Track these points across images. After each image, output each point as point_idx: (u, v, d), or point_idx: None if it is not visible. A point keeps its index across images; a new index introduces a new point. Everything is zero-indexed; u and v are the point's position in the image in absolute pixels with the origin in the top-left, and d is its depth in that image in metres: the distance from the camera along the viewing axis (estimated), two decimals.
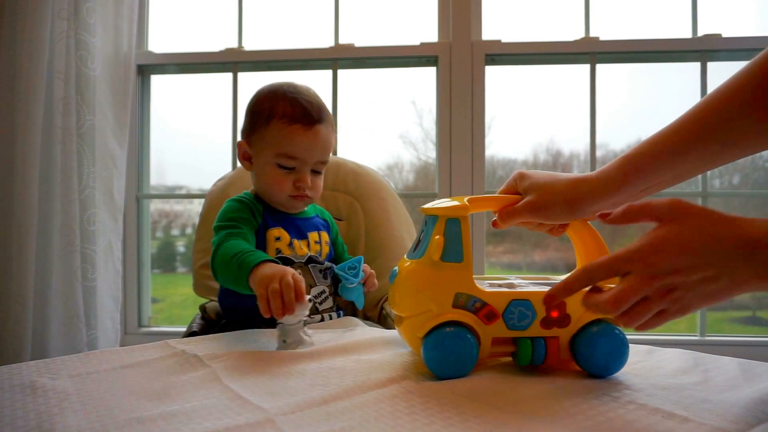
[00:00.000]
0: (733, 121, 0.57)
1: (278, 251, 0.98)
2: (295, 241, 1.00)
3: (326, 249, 1.04)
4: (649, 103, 1.80)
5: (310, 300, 0.76)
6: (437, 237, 0.66)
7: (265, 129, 0.99)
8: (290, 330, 0.77)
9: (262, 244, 0.98)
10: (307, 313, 0.78)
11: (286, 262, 0.97)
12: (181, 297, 2.07)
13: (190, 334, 1.04)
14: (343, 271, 0.97)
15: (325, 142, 1.00)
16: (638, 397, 0.57)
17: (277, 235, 0.99)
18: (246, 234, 0.95)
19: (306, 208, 1.07)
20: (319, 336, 0.85)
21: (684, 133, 0.60)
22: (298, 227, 1.02)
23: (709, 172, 1.68)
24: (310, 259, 1.00)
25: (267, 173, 1.00)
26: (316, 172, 1.02)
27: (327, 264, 1.02)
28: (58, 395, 0.59)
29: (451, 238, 0.66)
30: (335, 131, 1.05)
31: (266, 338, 0.84)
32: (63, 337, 1.57)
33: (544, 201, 0.69)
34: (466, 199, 0.70)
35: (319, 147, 0.99)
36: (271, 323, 0.95)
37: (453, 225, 0.66)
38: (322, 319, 0.98)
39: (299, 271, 0.98)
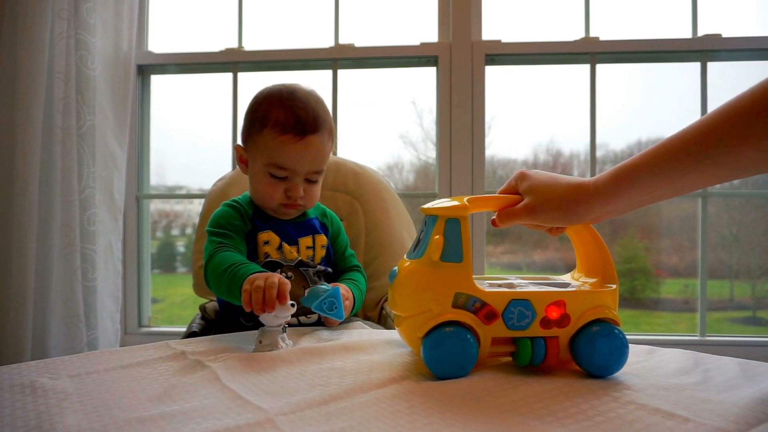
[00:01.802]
0: (731, 144, 0.56)
1: (267, 255, 0.97)
2: (285, 245, 0.99)
3: (321, 253, 1.03)
4: (649, 103, 1.80)
5: (292, 305, 0.76)
6: (437, 237, 0.66)
7: (258, 135, 0.97)
8: (268, 332, 0.77)
9: (253, 248, 0.98)
10: (289, 317, 0.78)
11: (275, 265, 0.97)
12: (181, 297, 2.07)
13: (190, 334, 1.04)
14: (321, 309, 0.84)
15: (318, 153, 0.97)
16: (638, 397, 0.57)
17: (266, 239, 0.98)
18: (237, 242, 0.96)
19: (298, 214, 1.05)
20: (319, 336, 0.85)
21: (679, 151, 0.59)
22: (289, 232, 1.01)
23: None
24: (301, 263, 0.99)
25: (259, 181, 0.99)
26: (311, 181, 1.00)
27: (321, 267, 1.02)
28: (58, 395, 0.59)
29: (450, 238, 0.66)
30: (333, 138, 1.03)
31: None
32: (63, 337, 1.57)
33: (541, 205, 0.69)
34: (465, 199, 0.70)
35: (310, 158, 0.97)
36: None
37: (453, 225, 0.66)
38: (319, 319, 0.98)
39: (290, 273, 0.98)
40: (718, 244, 1.77)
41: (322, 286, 0.86)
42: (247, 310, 0.76)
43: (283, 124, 0.95)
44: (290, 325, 0.93)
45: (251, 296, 0.75)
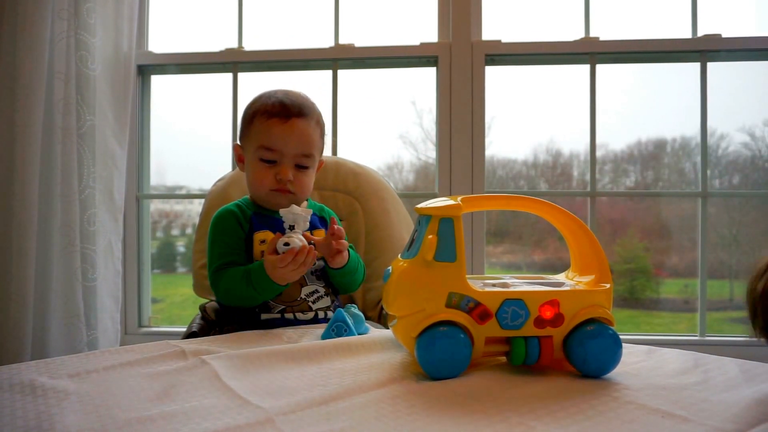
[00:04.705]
0: None
1: (263, 253, 0.98)
2: None
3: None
4: (649, 103, 1.80)
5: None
6: (430, 236, 0.65)
7: (249, 127, 1.04)
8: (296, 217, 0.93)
9: (249, 248, 1.00)
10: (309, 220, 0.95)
11: None
12: (181, 297, 2.07)
13: (190, 334, 1.05)
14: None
15: (303, 135, 1.02)
16: (638, 397, 0.57)
17: (263, 238, 1.00)
18: (238, 251, 1.00)
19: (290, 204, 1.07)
20: (319, 335, 0.85)
21: None
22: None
23: (708, 172, 1.68)
24: None
25: (252, 169, 1.04)
26: (301, 167, 1.03)
27: (319, 264, 1.02)
28: (58, 395, 0.59)
29: (444, 238, 0.66)
30: (322, 128, 1.08)
31: (266, 339, 0.84)
32: (63, 337, 1.57)
33: None
34: (459, 198, 0.70)
35: (295, 138, 1.01)
36: (271, 323, 0.95)
37: (446, 224, 0.66)
38: (315, 316, 0.98)
39: None
40: (718, 244, 1.77)
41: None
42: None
43: (270, 110, 1.02)
44: (287, 322, 0.94)
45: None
